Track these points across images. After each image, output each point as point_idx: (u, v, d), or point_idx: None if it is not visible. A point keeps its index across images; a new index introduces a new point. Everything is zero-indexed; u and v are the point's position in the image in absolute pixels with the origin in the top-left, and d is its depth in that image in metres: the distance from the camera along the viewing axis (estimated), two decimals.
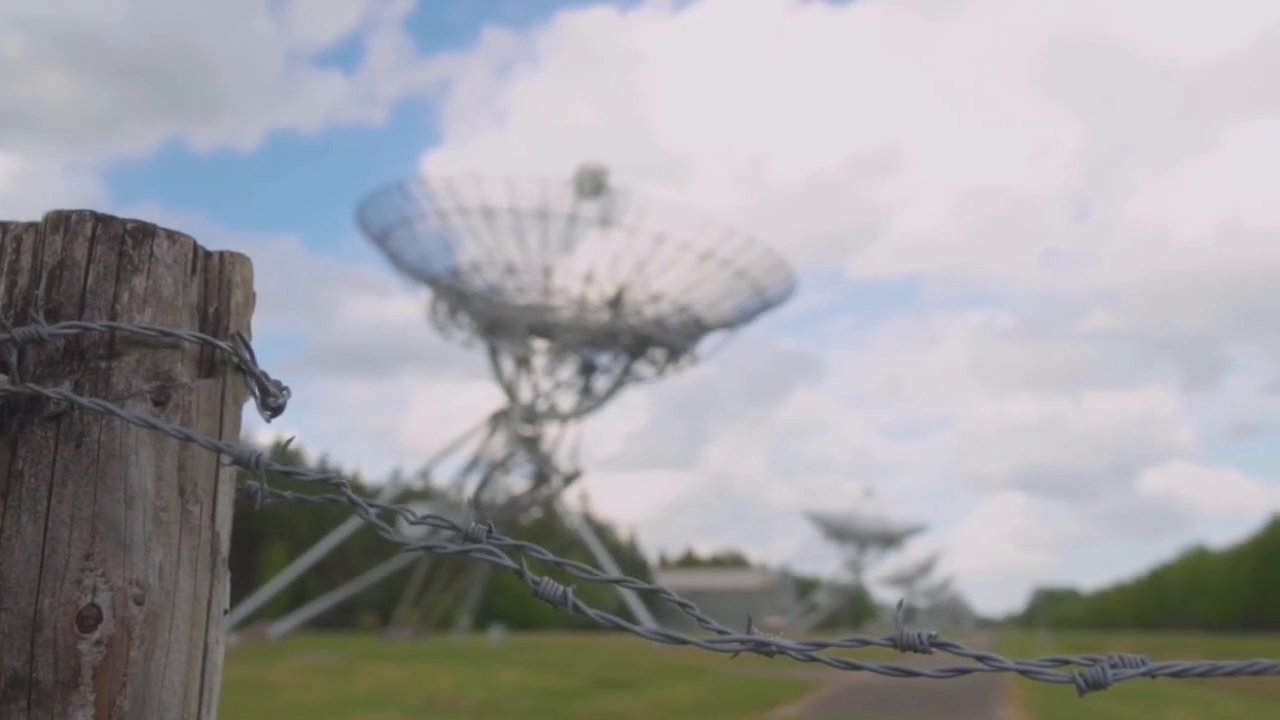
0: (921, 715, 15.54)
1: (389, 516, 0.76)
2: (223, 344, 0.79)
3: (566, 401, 50.68)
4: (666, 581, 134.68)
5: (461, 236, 45.24)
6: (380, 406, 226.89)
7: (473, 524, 0.73)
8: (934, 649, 0.61)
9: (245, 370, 0.79)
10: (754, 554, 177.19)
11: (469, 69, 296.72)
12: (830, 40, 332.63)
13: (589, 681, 21.38)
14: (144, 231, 0.80)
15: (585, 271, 45.61)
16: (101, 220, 0.79)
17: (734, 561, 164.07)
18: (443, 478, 59.50)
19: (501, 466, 47.77)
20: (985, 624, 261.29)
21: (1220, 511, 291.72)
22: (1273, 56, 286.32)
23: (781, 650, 0.65)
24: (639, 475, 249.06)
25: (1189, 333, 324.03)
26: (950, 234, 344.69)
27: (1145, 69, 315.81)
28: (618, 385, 48.91)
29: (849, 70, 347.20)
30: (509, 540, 0.73)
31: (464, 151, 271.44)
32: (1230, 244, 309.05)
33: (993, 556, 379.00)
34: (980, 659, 0.60)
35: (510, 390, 47.57)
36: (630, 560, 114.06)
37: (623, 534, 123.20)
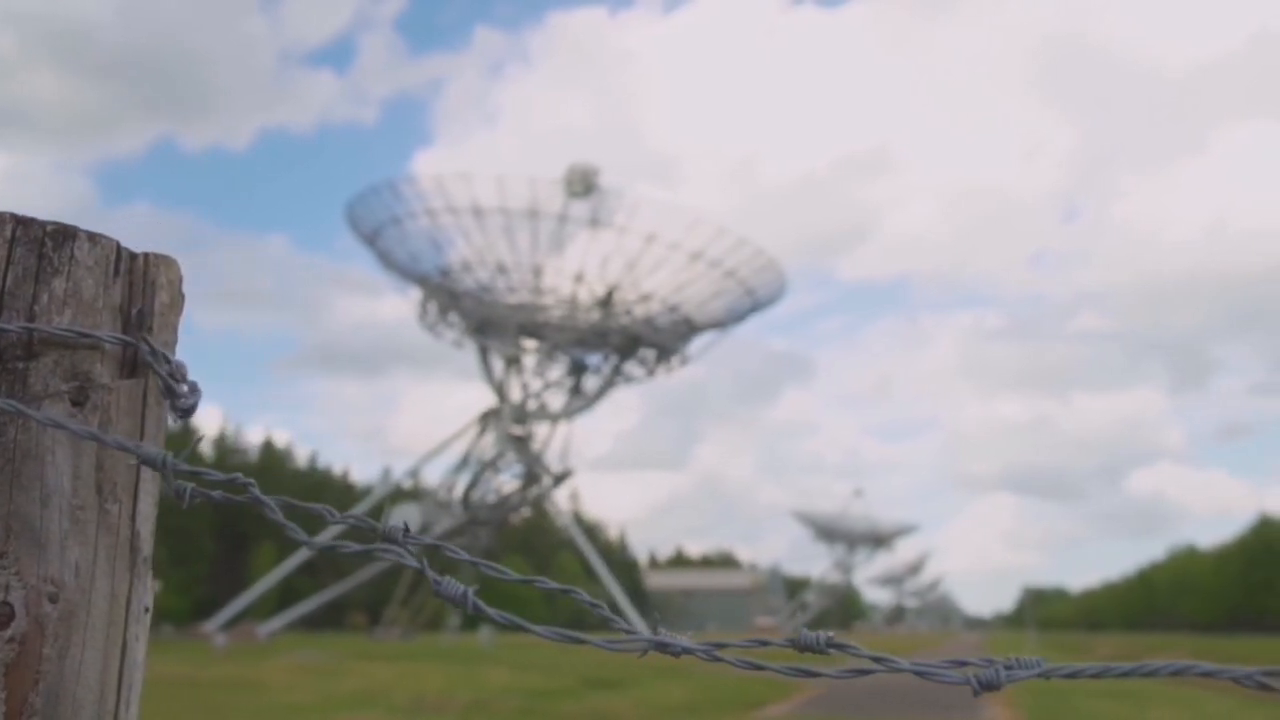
0: (907, 715, 15.58)
1: (303, 515, 0.76)
2: (142, 345, 0.79)
3: (556, 401, 50.68)
4: (656, 581, 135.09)
5: (452, 236, 45.22)
6: (371, 406, 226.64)
7: (389, 524, 0.73)
8: (831, 650, 0.62)
9: (153, 371, 0.79)
10: (744, 554, 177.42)
11: (460, 69, 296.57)
12: (822, 41, 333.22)
13: (578, 681, 21.36)
14: (64, 234, 0.80)
15: (575, 271, 45.62)
16: (21, 222, 0.80)
17: (724, 561, 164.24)
18: (433, 477, 59.36)
19: (491, 466, 47.70)
20: (974, 624, 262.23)
21: (1208, 512, 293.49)
22: (1261, 59, 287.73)
23: (686, 650, 0.66)
24: (629, 475, 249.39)
25: (1178, 334, 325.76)
26: (940, 235, 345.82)
27: (1135, 71, 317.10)
28: (608, 385, 48.90)
29: (840, 71, 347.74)
30: (427, 540, 0.74)
31: (455, 151, 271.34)
32: (1219, 245, 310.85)
33: (982, 556, 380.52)
34: (877, 660, 0.61)
35: (500, 390, 47.53)
36: (620, 560, 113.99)
37: (612, 534, 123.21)
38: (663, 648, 0.65)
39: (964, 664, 0.59)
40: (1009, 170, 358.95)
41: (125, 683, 0.77)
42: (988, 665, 0.59)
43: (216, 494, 0.83)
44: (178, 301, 0.85)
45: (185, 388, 0.79)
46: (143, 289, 0.83)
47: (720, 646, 0.65)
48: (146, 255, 0.84)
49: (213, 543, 62.79)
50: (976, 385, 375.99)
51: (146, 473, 0.81)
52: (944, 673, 0.60)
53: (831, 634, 0.62)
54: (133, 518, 0.80)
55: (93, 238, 0.82)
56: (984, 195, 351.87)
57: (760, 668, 0.64)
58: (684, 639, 0.65)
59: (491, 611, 0.71)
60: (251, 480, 0.76)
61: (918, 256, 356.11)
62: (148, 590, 0.81)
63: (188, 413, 0.80)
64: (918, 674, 0.60)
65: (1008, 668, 0.59)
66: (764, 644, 0.64)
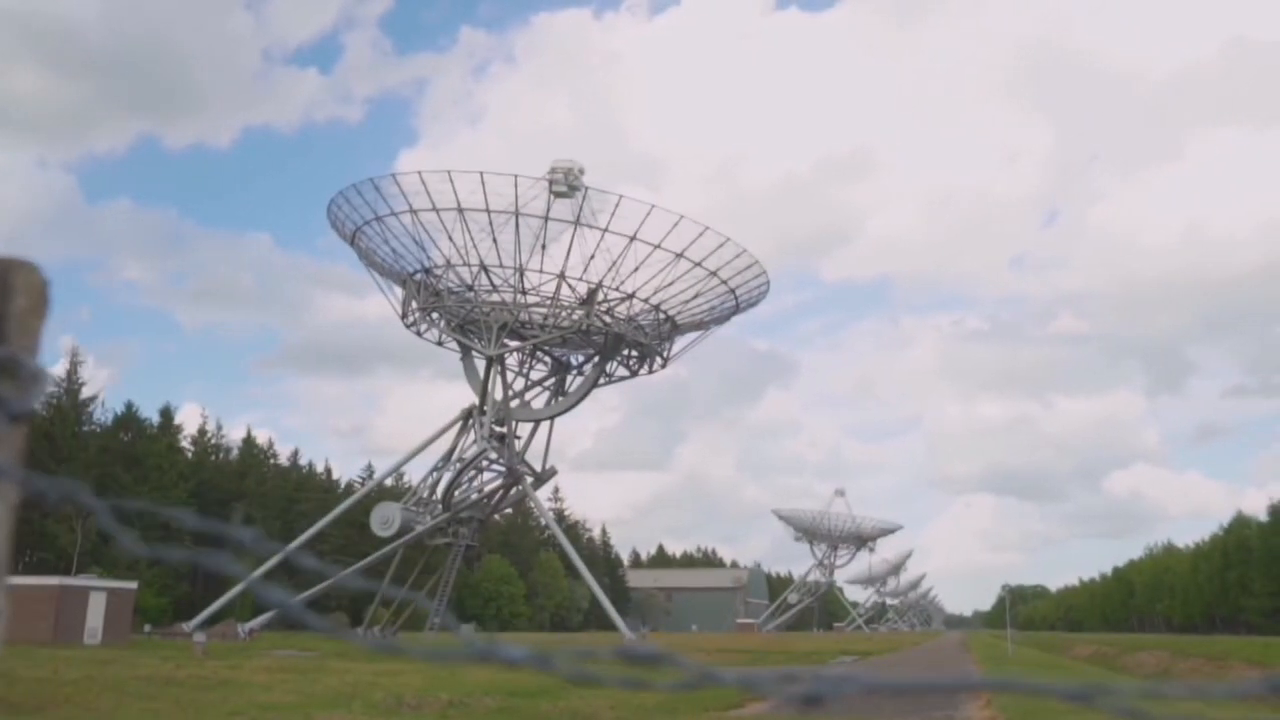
0: (887, 712, 15.62)
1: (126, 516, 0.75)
2: None
3: (539, 400, 50.61)
4: (638, 580, 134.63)
5: (435, 234, 45.06)
6: (354, 404, 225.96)
7: (239, 531, 0.73)
8: (658, 661, 0.61)
9: None
10: (726, 553, 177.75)
11: (445, 69, 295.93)
12: (805, 44, 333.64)
13: (556, 680, 21.29)
14: None
15: (558, 270, 45.55)
16: None
17: (706, 560, 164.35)
18: (415, 476, 59.17)
19: (474, 465, 47.55)
20: (955, 622, 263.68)
21: (1185, 513, 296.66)
22: (1235, 67, 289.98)
23: (515, 660, 0.65)
24: (611, 474, 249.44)
25: (1155, 337, 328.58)
26: (921, 237, 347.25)
27: (1113, 77, 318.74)
28: (590, 384, 48.86)
29: (823, 74, 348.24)
30: (279, 546, 0.73)
31: (441, 151, 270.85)
32: (1195, 250, 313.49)
33: (963, 556, 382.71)
34: (703, 673, 0.60)
35: (483, 388, 47.41)
36: (603, 559, 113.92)
37: (595, 532, 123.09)
38: (489, 656, 0.64)
39: (793, 678, 0.59)
40: (988, 175, 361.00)
41: None
42: (815, 680, 0.59)
43: (85, 498, 0.82)
44: (39, 306, 0.84)
45: (14, 392, 0.77)
46: None
47: (550, 657, 0.65)
48: (3, 261, 0.83)
49: (192, 541, 62.19)
50: (957, 387, 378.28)
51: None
52: (770, 687, 0.59)
53: (658, 646, 0.61)
54: None
55: None
56: (965, 198, 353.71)
57: (594, 679, 0.63)
58: (516, 648, 0.65)
59: (313, 620, 0.70)
60: (82, 487, 0.74)
61: (899, 258, 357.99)
62: (1, 595, 0.80)
63: (20, 418, 0.79)
64: (745, 688, 0.60)
65: (834, 682, 0.59)
66: (591, 654, 0.64)
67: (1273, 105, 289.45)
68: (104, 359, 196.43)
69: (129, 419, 68.18)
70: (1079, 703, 0.57)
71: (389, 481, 64.85)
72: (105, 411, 67.17)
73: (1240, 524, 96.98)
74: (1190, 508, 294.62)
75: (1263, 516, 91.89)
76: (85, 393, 62.94)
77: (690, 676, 0.58)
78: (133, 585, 39.90)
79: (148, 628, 47.19)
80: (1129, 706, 0.56)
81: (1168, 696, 0.55)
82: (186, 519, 0.75)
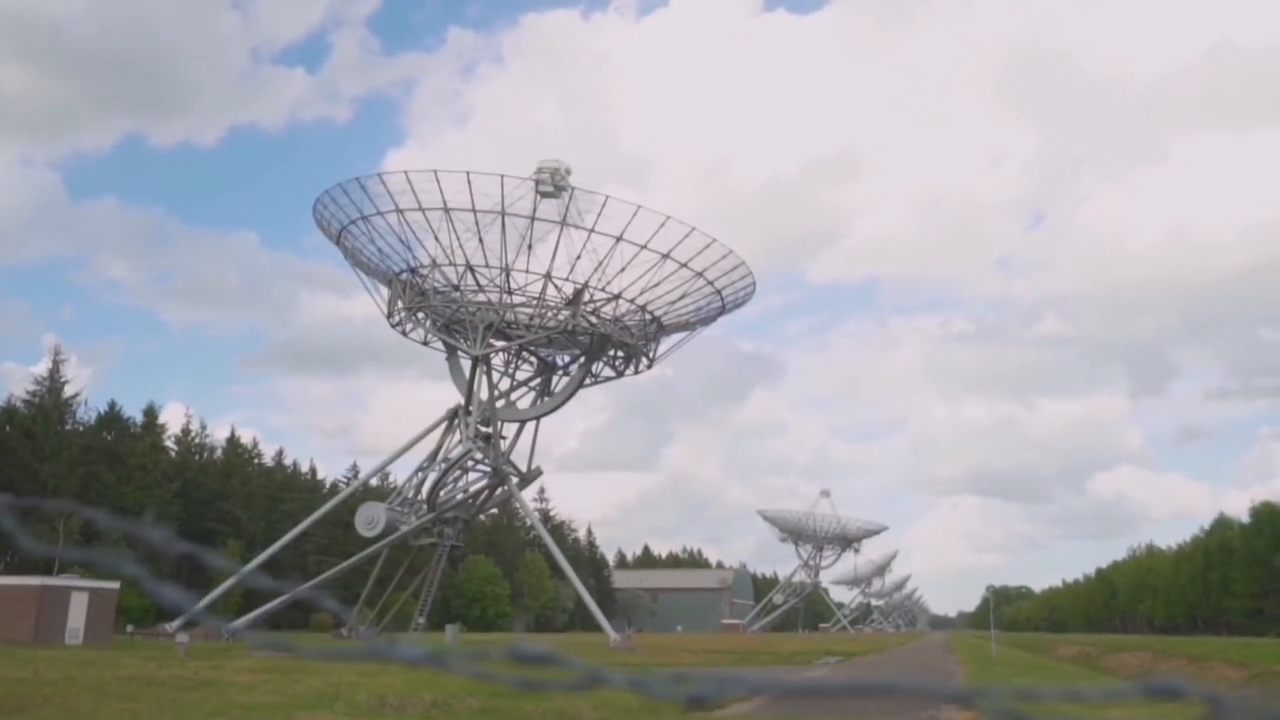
0: (872, 712, 15.67)
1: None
2: None
3: (525, 400, 50.56)
4: (624, 581, 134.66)
5: (421, 234, 44.98)
6: (340, 404, 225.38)
7: (151, 530, 0.73)
8: (547, 663, 0.62)
9: None
10: (712, 554, 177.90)
11: (433, 69, 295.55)
12: (793, 46, 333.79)
13: None
14: None
15: (544, 270, 45.53)
16: None
17: (692, 561, 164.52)
18: (401, 476, 58.98)
19: (459, 465, 47.46)
20: (941, 623, 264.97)
21: (1167, 515, 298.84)
22: (1222, 70, 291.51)
23: (409, 660, 0.66)
24: (597, 475, 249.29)
25: (1138, 339, 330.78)
26: (908, 239, 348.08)
27: (1098, 80, 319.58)
28: (576, 385, 48.86)
29: (811, 76, 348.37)
30: (187, 547, 0.73)
31: (428, 150, 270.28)
32: (1179, 253, 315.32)
33: (948, 557, 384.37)
34: (592, 675, 0.61)
35: (468, 388, 47.35)
36: (588, 560, 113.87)
37: (580, 533, 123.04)
38: (387, 657, 0.65)
39: (684, 680, 0.60)
40: (974, 177, 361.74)
41: None
42: (702, 681, 0.60)
43: (4, 497, 0.82)
44: None
45: None
46: None
47: (446, 658, 0.65)
48: None
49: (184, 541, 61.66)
50: (942, 388, 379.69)
51: None
52: (658, 689, 0.60)
53: (547, 649, 0.62)
54: None
55: None
56: (952, 200, 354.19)
57: (490, 677, 0.64)
58: (412, 649, 0.65)
59: (233, 625, 0.71)
60: None
61: (886, 260, 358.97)
62: None
63: None
64: (634, 689, 0.61)
65: (720, 684, 0.60)
66: (486, 655, 0.64)
67: (1258, 109, 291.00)
68: (87, 357, 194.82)
69: (112, 418, 67.80)
70: (959, 703, 0.58)
71: (374, 481, 64.68)
72: (88, 410, 66.81)
73: (1222, 525, 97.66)
74: (1173, 509, 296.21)
75: (1244, 518, 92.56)
76: (68, 391, 62.59)
77: (579, 678, 0.59)
78: (115, 585, 39.57)
79: (130, 628, 46.86)
80: (1005, 708, 0.57)
81: (1042, 699, 0.56)
82: (99, 518, 0.76)
